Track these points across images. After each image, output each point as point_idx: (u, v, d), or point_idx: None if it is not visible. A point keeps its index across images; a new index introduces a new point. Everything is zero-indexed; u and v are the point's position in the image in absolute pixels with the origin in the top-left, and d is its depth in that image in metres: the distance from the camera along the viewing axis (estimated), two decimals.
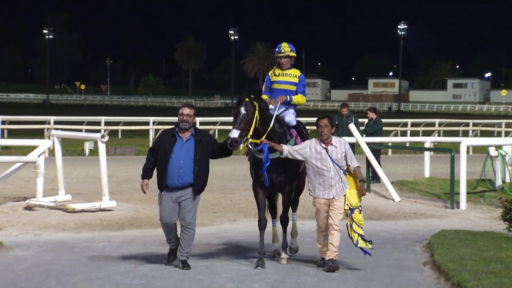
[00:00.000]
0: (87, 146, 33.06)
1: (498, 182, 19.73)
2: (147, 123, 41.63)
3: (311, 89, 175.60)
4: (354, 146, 20.39)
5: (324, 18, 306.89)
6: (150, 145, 19.81)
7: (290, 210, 11.59)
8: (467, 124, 49.59)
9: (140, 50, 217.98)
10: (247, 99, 10.58)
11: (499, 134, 47.45)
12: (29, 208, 16.09)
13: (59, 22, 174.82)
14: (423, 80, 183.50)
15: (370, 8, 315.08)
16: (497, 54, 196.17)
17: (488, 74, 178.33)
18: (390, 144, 31.17)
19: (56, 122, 38.97)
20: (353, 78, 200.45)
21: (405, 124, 45.91)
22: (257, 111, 10.55)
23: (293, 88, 11.65)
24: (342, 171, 10.54)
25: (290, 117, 11.54)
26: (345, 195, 10.51)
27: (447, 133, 44.76)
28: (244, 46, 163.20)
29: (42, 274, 10.30)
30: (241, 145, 11.03)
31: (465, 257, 10.68)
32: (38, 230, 14.21)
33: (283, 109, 11.42)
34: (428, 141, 24.35)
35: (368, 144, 20.07)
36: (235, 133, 10.32)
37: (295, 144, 10.99)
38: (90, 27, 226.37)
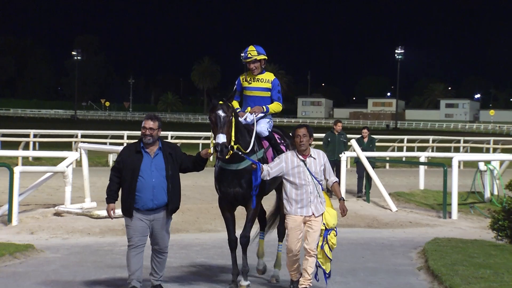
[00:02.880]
0: (111, 158, 33.09)
1: (487, 194, 19.73)
2: (166, 137, 41.62)
3: (316, 107, 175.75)
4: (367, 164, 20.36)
5: (328, 42, 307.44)
6: None
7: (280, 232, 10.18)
8: (459, 141, 49.41)
9: (160, 70, 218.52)
10: (221, 102, 8.96)
11: (487, 151, 47.24)
12: (58, 214, 16.13)
13: (87, 44, 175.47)
14: (418, 100, 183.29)
15: (370, 34, 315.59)
16: (486, 77, 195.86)
17: (477, 95, 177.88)
18: (388, 158, 31.15)
19: (83, 136, 39.07)
20: (354, 98, 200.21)
21: (402, 140, 45.79)
22: (233, 114, 8.99)
23: (267, 94, 9.88)
24: (320, 185, 8.91)
25: (262, 127, 9.66)
26: (323, 214, 8.90)
27: (440, 149, 44.61)
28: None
29: (70, 275, 10.31)
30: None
31: (457, 263, 10.64)
32: (66, 234, 14.22)
33: (252, 117, 9.67)
34: (422, 156, 24.32)
35: (368, 158, 20.08)
36: (222, 138, 8.62)
37: (264, 156, 9.39)
38: (114, 49, 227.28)
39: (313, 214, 8.81)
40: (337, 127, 21.32)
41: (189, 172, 9.11)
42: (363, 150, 21.10)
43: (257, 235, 10.32)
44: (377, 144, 42.97)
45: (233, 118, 8.96)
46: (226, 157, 8.78)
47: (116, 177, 8.73)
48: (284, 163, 8.89)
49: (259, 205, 9.44)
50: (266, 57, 9.94)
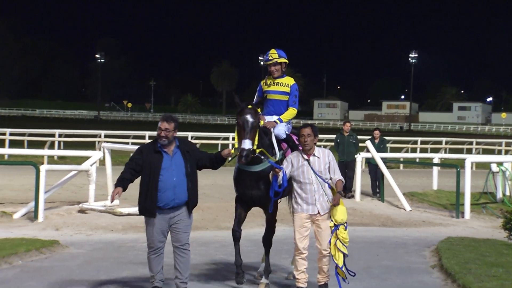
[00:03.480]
0: None
1: (499, 195, 19.63)
2: (186, 137, 41.71)
3: (331, 109, 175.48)
4: (377, 167, 20.29)
5: (343, 46, 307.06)
6: None
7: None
8: (471, 143, 49.24)
9: (180, 73, 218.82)
10: (250, 106, 8.91)
11: (499, 152, 47.08)
12: (82, 211, 16.19)
13: (109, 47, 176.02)
14: (431, 103, 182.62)
15: (385, 38, 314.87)
16: (498, 80, 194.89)
17: (489, 99, 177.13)
18: (401, 159, 31.08)
19: (106, 136, 39.27)
20: (368, 100, 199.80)
21: (415, 142, 45.69)
22: (259, 119, 8.97)
23: (285, 97, 9.75)
24: (326, 184, 8.81)
25: (279, 130, 9.55)
26: (329, 211, 8.79)
27: (452, 151, 44.44)
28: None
29: (93, 270, 10.35)
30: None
31: (470, 262, 10.59)
32: (89, 231, 14.28)
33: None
34: (436, 158, 24.23)
35: (382, 159, 20.06)
36: (248, 144, 8.59)
37: (284, 157, 9.27)
38: (136, 52, 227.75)
39: (319, 213, 8.76)
40: (346, 128, 20.98)
41: (205, 169, 8.96)
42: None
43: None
44: (391, 145, 43.21)
45: (259, 124, 8.94)
46: (247, 159, 8.68)
47: (131, 169, 8.49)
48: (290, 163, 8.88)
49: (276, 209, 9.30)
50: (287, 61, 9.84)
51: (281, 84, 9.78)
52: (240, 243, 9.37)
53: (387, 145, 21.86)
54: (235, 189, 9.36)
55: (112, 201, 8.56)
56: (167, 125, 8.49)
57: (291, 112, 9.79)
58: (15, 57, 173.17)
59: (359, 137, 21.94)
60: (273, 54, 9.74)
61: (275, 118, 9.63)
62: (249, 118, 8.75)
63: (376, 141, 21.59)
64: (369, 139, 21.51)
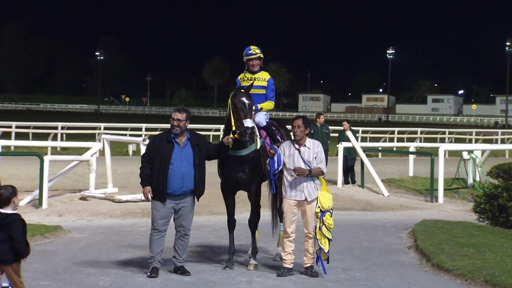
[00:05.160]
0: (131, 148, 33.16)
1: (470, 181, 19.70)
2: None
3: (315, 102, 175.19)
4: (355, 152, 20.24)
5: (326, 43, 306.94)
6: None
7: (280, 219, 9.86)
8: (444, 133, 49.34)
9: (174, 69, 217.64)
10: (242, 90, 9.04)
11: (470, 141, 47.25)
12: (83, 198, 16.15)
13: (109, 45, 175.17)
14: (407, 95, 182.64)
15: (364, 35, 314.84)
16: (469, 74, 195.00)
17: (461, 91, 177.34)
18: (380, 148, 31.15)
19: (105, 128, 39.12)
20: (349, 94, 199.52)
21: (393, 132, 45.75)
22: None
23: (263, 91, 9.73)
24: (309, 171, 8.76)
25: (261, 117, 9.51)
26: (317, 198, 8.84)
27: (427, 140, 44.55)
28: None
29: (95, 253, 10.33)
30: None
31: (443, 242, 10.63)
32: (90, 216, 14.25)
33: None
34: (412, 146, 24.36)
35: (351, 149, 20.09)
36: (250, 122, 8.71)
37: (263, 145, 9.21)
38: (134, 49, 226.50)
39: (306, 199, 8.81)
40: (320, 120, 20.28)
41: (213, 159, 9.10)
42: (343, 142, 20.65)
43: (278, 227, 10.14)
44: (370, 135, 43.24)
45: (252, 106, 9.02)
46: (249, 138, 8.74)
47: (147, 163, 8.66)
48: (282, 151, 8.91)
49: (259, 191, 9.39)
50: (263, 57, 9.87)
51: (259, 79, 9.75)
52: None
53: (357, 135, 21.47)
54: (219, 173, 9.36)
55: (148, 200, 8.71)
56: (179, 115, 8.66)
57: (269, 104, 9.80)
58: (20, 55, 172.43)
59: (340, 128, 21.85)
60: (255, 50, 9.77)
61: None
62: (245, 99, 8.86)
63: (346, 132, 21.08)
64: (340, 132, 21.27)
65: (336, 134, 22.81)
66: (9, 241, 6.78)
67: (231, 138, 8.83)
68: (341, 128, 21.37)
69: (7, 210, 6.93)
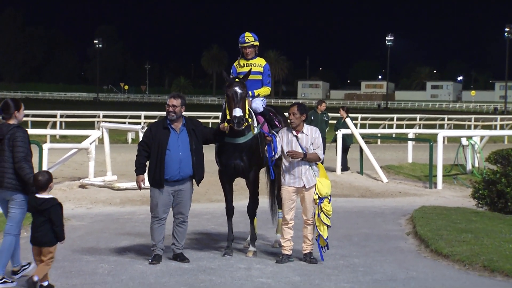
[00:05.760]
0: (130, 136, 33.15)
1: (469, 167, 19.73)
2: None
3: (314, 89, 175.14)
4: (352, 138, 20.25)
5: (325, 30, 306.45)
6: None
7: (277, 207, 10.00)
8: (443, 119, 49.32)
9: (173, 56, 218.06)
10: (237, 79, 9.06)
11: (469, 127, 47.25)
12: (82, 186, 16.17)
13: (107, 34, 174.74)
14: (406, 82, 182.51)
15: (363, 22, 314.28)
16: (468, 61, 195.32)
17: (460, 78, 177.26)
18: (379, 135, 31.16)
19: (104, 116, 39.09)
20: (348, 81, 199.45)
21: (392, 119, 45.72)
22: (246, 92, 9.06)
23: (259, 77, 9.70)
24: (304, 154, 8.77)
25: (258, 103, 9.53)
26: (315, 185, 8.85)
27: (426, 126, 44.54)
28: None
29: (94, 240, 10.35)
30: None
31: (441, 228, 10.65)
32: (90, 204, 14.26)
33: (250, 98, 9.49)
34: (411, 133, 24.35)
35: (345, 135, 20.08)
36: (239, 112, 8.66)
37: (261, 130, 9.27)
38: (132, 38, 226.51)
39: (304, 186, 8.82)
40: (321, 107, 20.40)
41: (211, 143, 9.13)
42: (338, 128, 20.58)
43: (277, 214, 10.17)
44: (369, 122, 43.20)
45: (247, 95, 9.01)
46: (242, 127, 8.75)
47: (144, 151, 8.72)
48: (280, 138, 8.93)
49: (257, 178, 9.38)
50: (259, 44, 9.83)
51: (254, 65, 9.71)
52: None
53: (353, 121, 21.27)
54: (217, 161, 9.38)
55: (140, 189, 8.81)
56: (174, 101, 8.72)
57: (266, 89, 9.78)
58: (19, 44, 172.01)
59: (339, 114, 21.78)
60: (249, 37, 9.73)
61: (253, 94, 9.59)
62: (237, 89, 8.85)
63: (342, 121, 21.05)
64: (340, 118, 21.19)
65: (335, 121, 22.72)
66: (48, 224, 7.28)
67: (226, 126, 8.86)
68: (340, 115, 21.34)
69: (44, 195, 7.35)
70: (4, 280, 7.56)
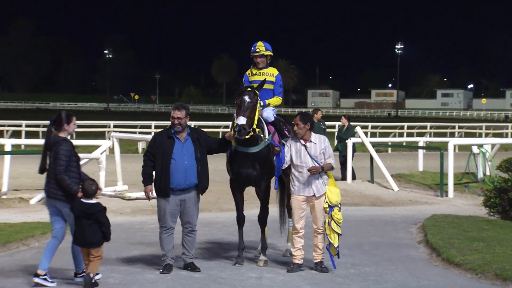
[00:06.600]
0: (140, 146, 33.19)
1: (480, 175, 19.67)
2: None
3: (324, 98, 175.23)
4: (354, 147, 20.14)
5: (334, 39, 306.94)
6: None
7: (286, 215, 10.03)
8: (454, 127, 49.20)
9: (183, 66, 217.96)
10: (249, 88, 9.05)
11: (480, 135, 47.08)
12: None
13: (117, 44, 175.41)
14: (416, 90, 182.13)
15: (372, 30, 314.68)
16: (478, 69, 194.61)
17: (470, 86, 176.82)
18: (389, 143, 31.11)
19: (115, 126, 39.13)
20: (358, 89, 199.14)
21: (402, 127, 45.64)
22: (259, 101, 9.09)
23: (271, 86, 9.71)
24: (321, 167, 8.80)
25: (268, 113, 9.51)
26: (325, 193, 8.83)
27: (437, 135, 44.46)
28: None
29: (104, 250, 10.21)
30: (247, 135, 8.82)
31: (453, 237, 10.62)
32: None
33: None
34: (421, 141, 24.28)
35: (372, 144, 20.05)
36: (242, 120, 8.64)
37: (272, 140, 9.25)
38: (142, 47, 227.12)
39: (314, 195, 8.82)
40: (318, 115, 20.06)
41: (214, 153, 9.10)
42: (340, 137, 20.55)
43: (287, 223, 10.19)
44: (380, 130, 43.14)
45: (258, 105, 8.99)
46: (246, 137, 8.77)
47: (150, 161, 8.73)
48: (288, 148, 8.93)
49: (269, 187, 9.39)
50: (271, 54, 9.87)
51: (267, 74, 9.76)
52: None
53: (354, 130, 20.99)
54: (229, 169, 9.37)
55: (149, 199, 8.90)
56: (178, 113, 8.70)
57: (277, 99, 9.80)
58: (29, 54, 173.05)
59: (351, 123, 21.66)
60: (260, 47, 9.77)
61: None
62: (246, 98, 8.86)
63: (344, 129, 20.85)
64: (341, 127, 21.05)
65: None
66: (95, 226, 7.99)
67: (232, 133, 8.85)
68: (353, 124, 21.35)
69: (90, 200, 8.07)
70: (45, 277, 8.10)
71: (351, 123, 21.27)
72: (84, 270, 8.24)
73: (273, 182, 9.72)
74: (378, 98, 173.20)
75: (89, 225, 7.98)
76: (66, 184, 8.06)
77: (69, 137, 8.57)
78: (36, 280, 8.09)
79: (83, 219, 7.99)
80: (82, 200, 8.02)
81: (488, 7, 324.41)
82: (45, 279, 8.09)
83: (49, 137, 8.42)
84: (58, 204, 8.21)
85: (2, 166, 16.44)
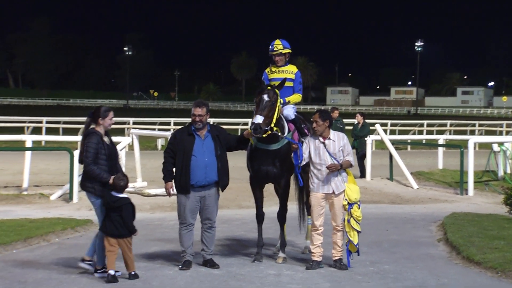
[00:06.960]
0: (159, 142, 33.35)
1: (501, 173, 19.54)
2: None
3: (343, 95, 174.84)
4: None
5: (354, 36, 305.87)
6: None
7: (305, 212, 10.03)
8: (474, 125, 48.96)
9: (202, 63, 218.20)
10: (269, 87, 9.05)
11: (501, 133, 46.82)
12: None
13: (137, 40, 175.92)
14: (436, 88, 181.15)
15: (392, 28, 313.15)
16: (499, 66, 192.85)
17: (491, 83, 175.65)
18: (409, 141, 31.00)
19: (134, 123, 39.38)
20: (378, 87, 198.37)
21: (422, 125, 45.48)
22: (279, 100, 9.08)
23: (290, 84, 9.67)
24: (340, 165, 8.78)
25: (289, 111, 9.52)
26: (344, 190, 8.82)
27: (457, 132, 44.22)
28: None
29: None
30: (265, 134, 8.83)
31: (473, 235, 10.56)
32: None
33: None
34: (441, 139, 24.18)
35: (361, 141, 19.98)
36: (259, 119, 8.67)
37: (292, 138, 9.24)
38: (161, 45, 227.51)
39: (333, 192, 8.80)
40: (334, 114, 19.80)
41: (233, 150, 9.13)
42: (356, 135, 20.54)
43: (305, 220, 10.19)
44: (399, 128, 43.03)
45: (277, 103, 8.97)
46: (264, 135, 8.78)
47: (170, 158, 8.78)
48: (307, 145, 8.93)
49: (288, 184, 9.39)
50: (290, 51, 9.89)
51: (286, 72, 9.77)
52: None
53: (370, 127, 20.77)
54: (249, 166, 9.39)
55: (170, 196, 8.98)
56: (200, 110, 8.73)
57: (297, 97, 9.81)
58: (50, 51, 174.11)
59: (368, 120, 21.63)
60: (278, 45, 9.78)
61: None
62: (265, 97, 8.87)
63: (359, 127, 20.79)
64: (355, 124, 21.03)
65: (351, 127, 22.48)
66: (119, 219, 8.31)
67: (250, 131, 8.87)
68: (373, 121, 21.25)
69: (119, 194, 8.37)
70: (103, 270, 8.42)
71: (366, 121, 21.23)
72: (105, 266, 8.35)
73: (293, 179, 9.72)
74: (398, 95, 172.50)
75: (114, 217, 8.29)
76: (96, 174, 8.33)
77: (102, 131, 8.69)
78: (81, 264, 8.58)
79: (110, 211, 8.31)
80: (111, 193, 8.33)
81: (510, 4, 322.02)
82: (103, 271, 8.42)
83: (86, 129, 8.65)
84: (87, 195, 8.54)
85: (22, 162, 16.57)
